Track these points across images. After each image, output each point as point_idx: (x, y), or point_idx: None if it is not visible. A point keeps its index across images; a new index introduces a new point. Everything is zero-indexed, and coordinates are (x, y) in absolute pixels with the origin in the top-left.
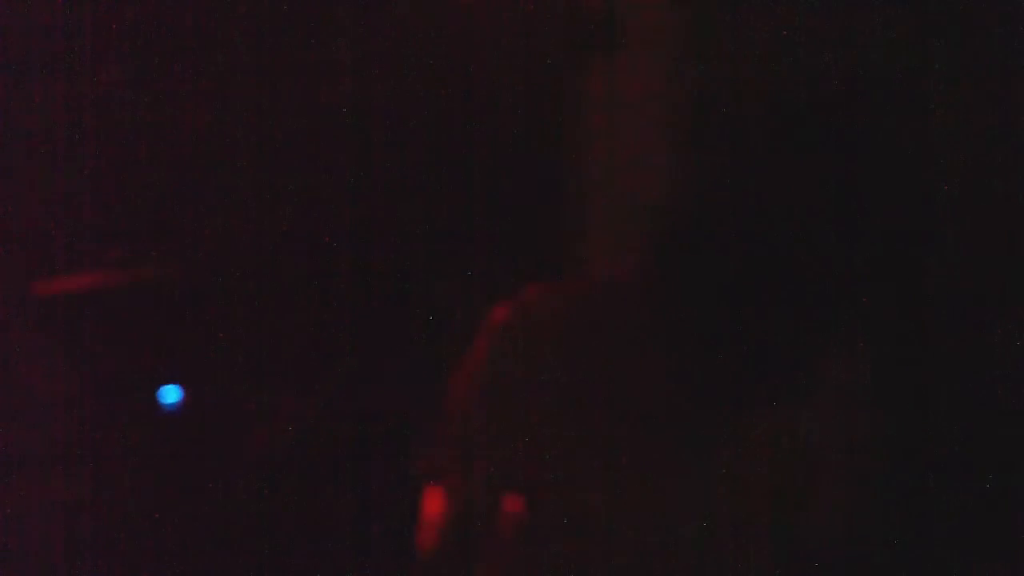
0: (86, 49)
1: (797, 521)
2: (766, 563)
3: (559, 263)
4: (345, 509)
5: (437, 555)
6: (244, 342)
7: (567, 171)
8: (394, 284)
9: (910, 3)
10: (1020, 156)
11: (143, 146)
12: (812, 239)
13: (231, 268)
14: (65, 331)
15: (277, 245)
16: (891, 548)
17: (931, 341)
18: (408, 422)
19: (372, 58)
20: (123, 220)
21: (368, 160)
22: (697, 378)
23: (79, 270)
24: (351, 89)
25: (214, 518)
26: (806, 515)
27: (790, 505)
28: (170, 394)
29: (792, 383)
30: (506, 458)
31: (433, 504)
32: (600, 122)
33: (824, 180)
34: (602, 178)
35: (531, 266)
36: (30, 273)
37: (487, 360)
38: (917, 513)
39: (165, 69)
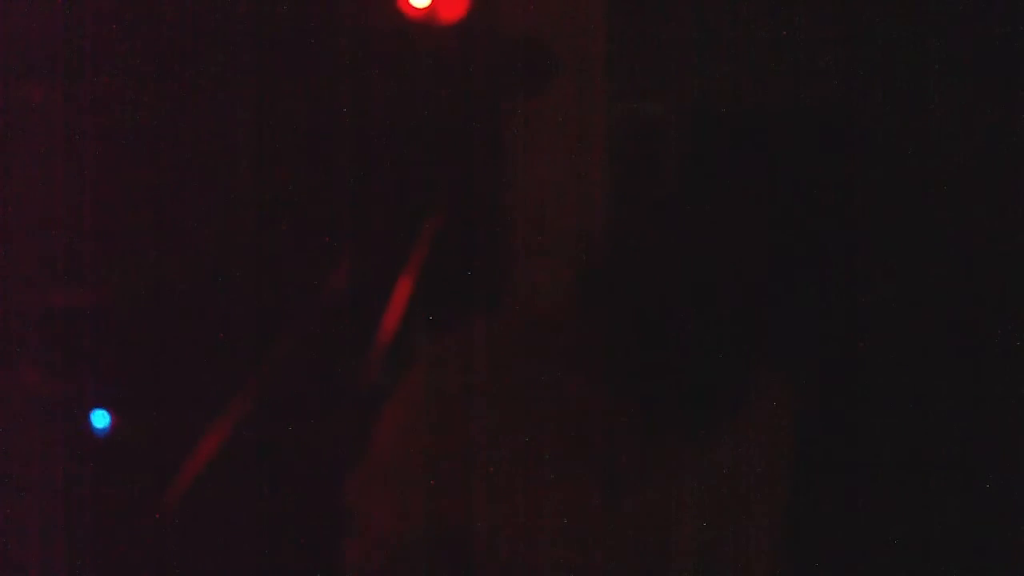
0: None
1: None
2: None
3: (494, 294)
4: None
5: None
6: (168, 368)
7: (499, 203)
8: (326, 315)
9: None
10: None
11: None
12: (738, 265)
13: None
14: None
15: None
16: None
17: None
18: (339, 454)
19: (303, 88)
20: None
21: (298, 185)
22: (629, 405)
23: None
24: (283, 125)
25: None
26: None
27: (721, 533)
28: (100, 419)
29: (720, 408)
30: (441, 491)
31: (363, 535)
32: (531, 153)
33: (754, 207)
34: (533, 210)
35: (467, 297)
36: None
37: (422, 393)
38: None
39: None
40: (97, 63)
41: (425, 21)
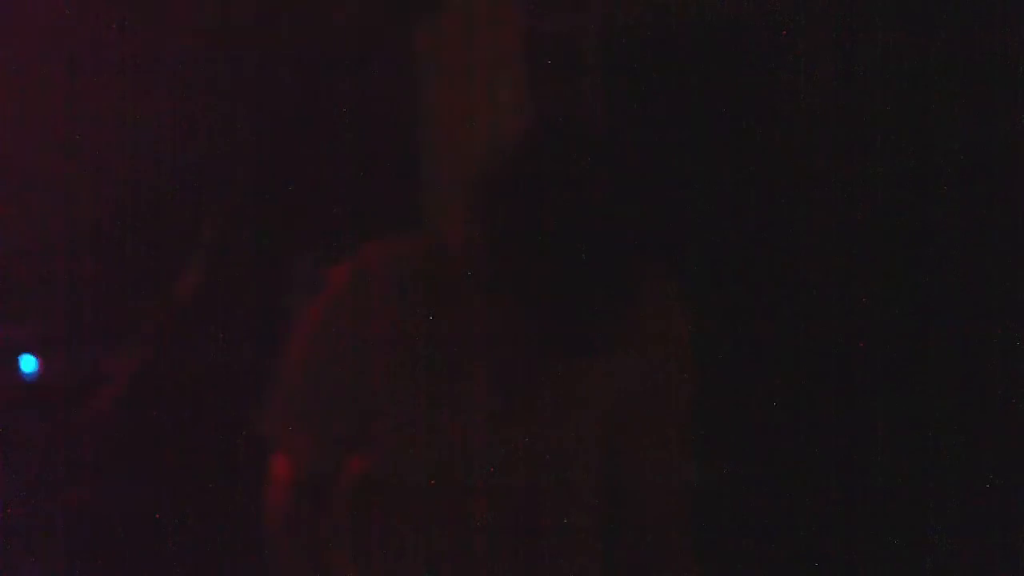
0: None
1: (622, 463)
2: (595, 512)
3: (398, 222)
4: (188, 473)
5: (284, 516)
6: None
7: (404, 133)
8: (232, 243)
9: None
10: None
11: None
12: (632, 194)
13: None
14: None
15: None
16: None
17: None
18: (247, 384)
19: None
20: None
21: (197, 114)
22: (526, 330)
23: None
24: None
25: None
26: (630, 457)
27: (616, 450)
28: (28, 363)
29: (614, 332)
30: (347, 416)
31: (278, 466)
32: (434, 82)
33: (652, 135)
34: (437, 138)
35: (371, 225)
36: None
37: (326, 319)
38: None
39: None
40: None
41: None
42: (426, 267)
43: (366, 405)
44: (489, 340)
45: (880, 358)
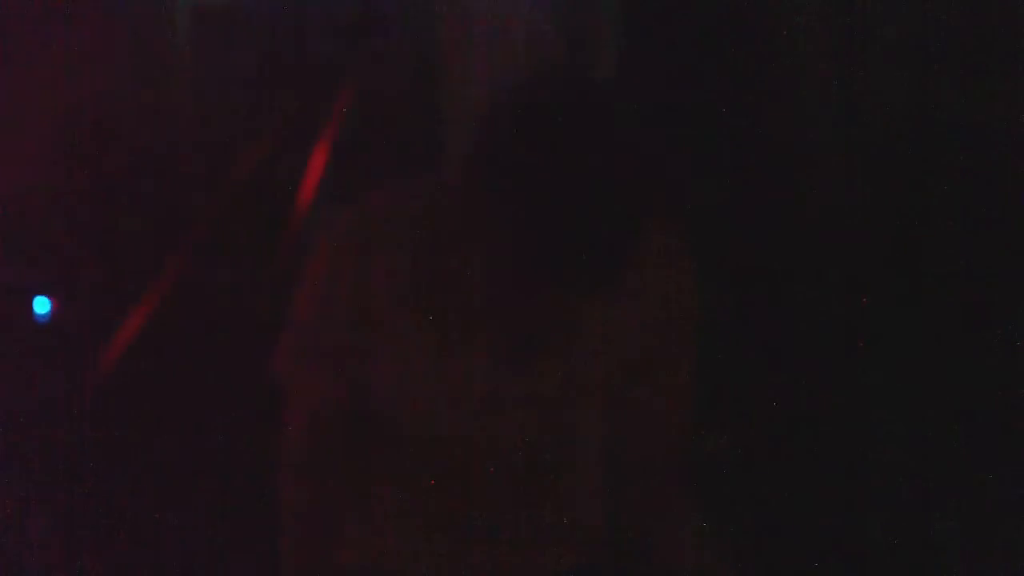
0: None
1: (625, 411)
2: (598, 455)
3: (409, 166)
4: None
5: (294, 455)
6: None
7: (420, 82)
8: (247, 187)
9: None
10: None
11: None
12: (639, 137)
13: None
14: None
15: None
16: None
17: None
18: (258, 326)
19: None
20: None
21: (215, 61)
22: (530, 272)
23: None
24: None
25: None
26: (633, 406)
27: (620, 396)
28: (41, 304)
29: (616, 273)
30: (350, 354)
31: (288, 404)
32: (455, 29)
33: (661, 79)
34: (452, 87)
35: (385, 167)
36: None
37: (333, 258)
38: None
39: None
40: None
41: None
42: (431, 207)
43: (371, 344)
44: (492, 279)
45: (885, 322)
